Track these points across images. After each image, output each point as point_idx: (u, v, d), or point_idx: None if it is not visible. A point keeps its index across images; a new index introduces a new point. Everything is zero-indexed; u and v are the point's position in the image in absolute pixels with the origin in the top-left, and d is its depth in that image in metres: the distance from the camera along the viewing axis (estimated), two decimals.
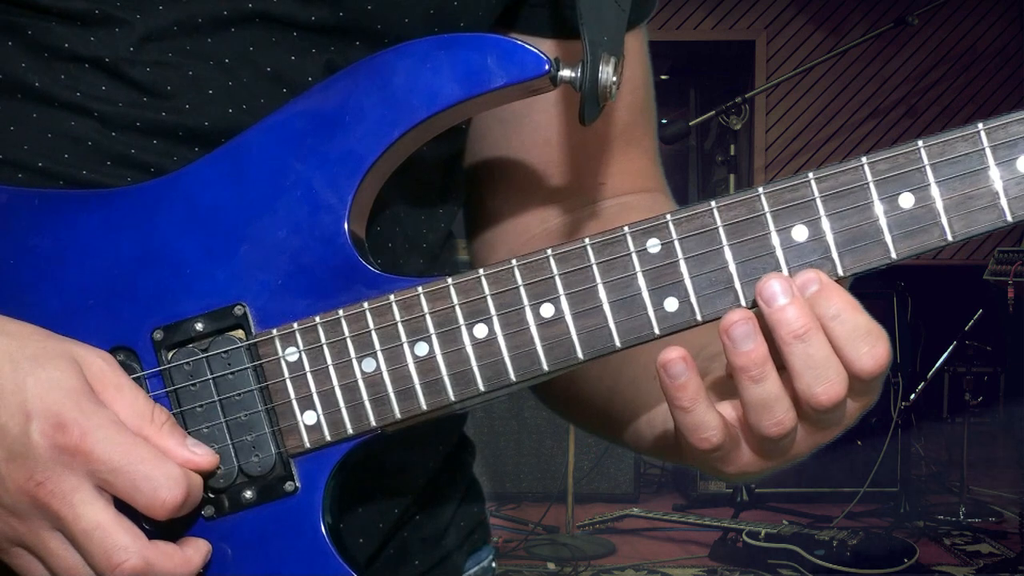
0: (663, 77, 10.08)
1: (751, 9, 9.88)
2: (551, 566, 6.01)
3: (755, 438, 1.04)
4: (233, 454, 1.08)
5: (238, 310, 1.08)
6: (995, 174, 1.00)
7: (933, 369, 6.88)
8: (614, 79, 1.11)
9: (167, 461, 1.01)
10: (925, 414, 7.45)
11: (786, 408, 1.01)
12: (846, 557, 5.80)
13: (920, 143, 1.01)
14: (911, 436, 6.92)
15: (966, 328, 6.76)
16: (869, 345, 1.00)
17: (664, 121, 6.30)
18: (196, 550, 1.05)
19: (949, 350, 6.85)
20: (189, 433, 1.07)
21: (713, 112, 6.21)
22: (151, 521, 1.03)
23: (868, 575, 5.80)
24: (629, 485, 6.94)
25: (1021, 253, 6.30)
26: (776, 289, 1.00)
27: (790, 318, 0.99)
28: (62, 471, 0.99)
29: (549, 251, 1.05)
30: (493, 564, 1.41)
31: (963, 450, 6.77)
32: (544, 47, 1.15)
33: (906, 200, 1.01)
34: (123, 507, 1.02)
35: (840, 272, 1.02)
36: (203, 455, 1.04)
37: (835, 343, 1.00)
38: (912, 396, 6.72)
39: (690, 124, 6.08)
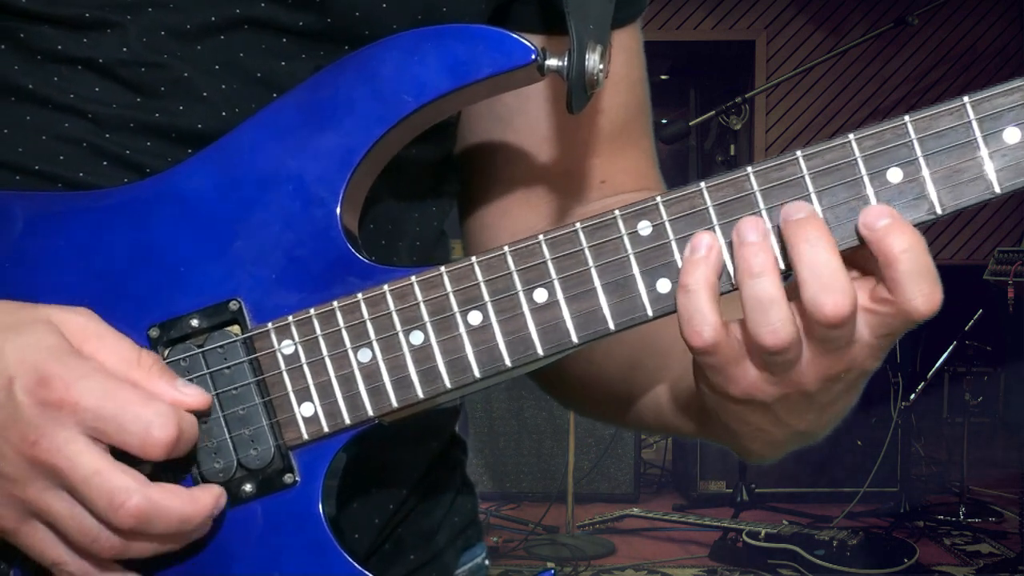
0: (663, 77, 10.10)
1: (751, 9, 9.88)
2: (551, 566, 6.01)
3: (756, 350, 1.02)
4: (232, 448, 1.08)
5: (233, 305, 1.08)
6: (982, 146, 1.00)
7: (933, 369, 6.88)
8: (601, 66, 1.11)
9: (155, 400, 1.01)
10: (925, 414, 7.44)
11: (784, 317, 0.99)
12: (846, 557, 5.80)
13: (907, 118, 1.01)
14: (911, 436, 6.91)
15: (966, 328, 6.76)
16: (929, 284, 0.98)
17: (664, 121, 6.31)
18: (206, 491, 1.04)
19: (949, 350, 6.85)
20: None
21: (713, 112, 6.20)
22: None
23: (868, 575, 5.80)
24: (629, 485, 6.93)
25: (1021, 253, 6.30)
26: (797, 206, 1.00)
27: (805, 225, 0.99)
28: (53, 426, 0.98)
29: (541, 236, 1.06)
30: (486, 562, 1.42)
31: (963, 450, 6.77)
32: (534, 43, 1.16)
33: (894, 175, 1.01)
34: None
35: None
36: (193, 394, 1.04)
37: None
38: (912, 396, 6.72)
39: (690, 124, 6.08)
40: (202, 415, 1.06)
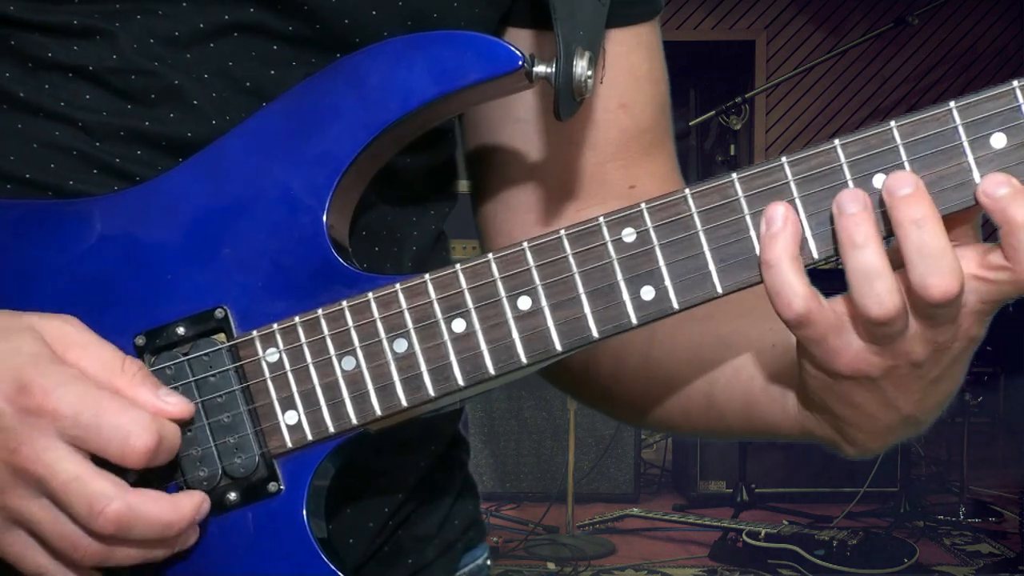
0: None
1: (751, 9, 9.88)
2: (551, 566, 6.01)
3: (861, 321, 1.01)
4: (216, 456, 1.08)
5: (219, 313, 1.08)
6: (968, 151, 1.00)
7: None
8: (589, 73, 1.10)
9: (133, 408, 1.00)
10: None
11: (889, 287, 0.98)
12: (846, 557, 5.80)
13: (892, 123, 1.00)
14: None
15: None
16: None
17: None
18: (188, 497, 1.04)
19: None
20: None
21: (713, 112, 6.21)
22: None
23: (868, 575, 5.80)
24: (629, 485, 6.93)
25: None
26: (902, 179, 0.99)
27: (912, 203, 0.98)
28: (33, 433, 0.98)
29: (525, 243, 1.05)
30: (488, 562, 1.41)
31: (963, 450, 6.76)
32: (523, 38, 1.15)
33: (879, 180, 1.00)
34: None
35: (815, 255, 1.02)
36: (175, 403, 1.04)
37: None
38: None
39: (690, 124, 6.09)
40: (186, 424, 1.06)
